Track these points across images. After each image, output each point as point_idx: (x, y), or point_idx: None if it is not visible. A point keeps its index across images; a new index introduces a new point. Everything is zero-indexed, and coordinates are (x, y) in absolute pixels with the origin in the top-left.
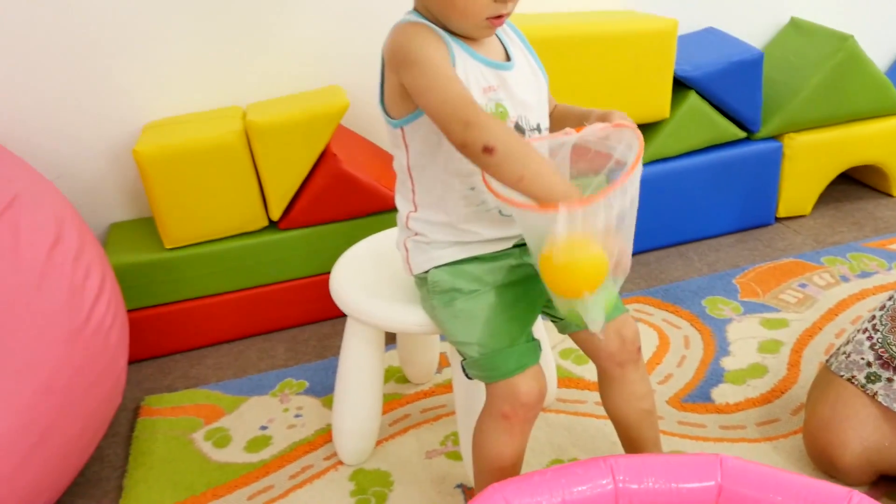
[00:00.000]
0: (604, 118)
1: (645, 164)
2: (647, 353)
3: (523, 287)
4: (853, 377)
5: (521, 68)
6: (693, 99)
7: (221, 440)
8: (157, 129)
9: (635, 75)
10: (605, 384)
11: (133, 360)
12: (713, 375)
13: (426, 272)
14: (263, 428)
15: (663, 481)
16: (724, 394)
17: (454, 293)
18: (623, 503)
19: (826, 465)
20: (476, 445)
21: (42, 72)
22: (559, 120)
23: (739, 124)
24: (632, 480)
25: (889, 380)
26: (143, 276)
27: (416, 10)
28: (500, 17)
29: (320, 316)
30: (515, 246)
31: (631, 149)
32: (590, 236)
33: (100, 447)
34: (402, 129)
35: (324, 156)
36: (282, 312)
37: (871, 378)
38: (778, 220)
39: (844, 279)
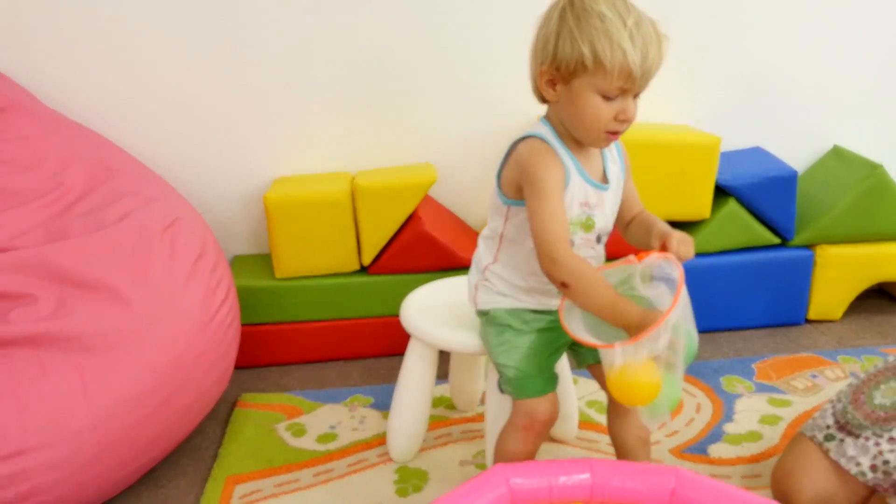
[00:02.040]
0: (663, 237)
1: None
2: None
3: (556, 334)
4: (814, 436)
5: (614, 186)
6: (732, 205)
7: (298, 431)
8: (284, 182)
9: (681, 180)
10: (610, 413)
11: (237, 366)
12: (714, 435)
13: (488, 309)
14: (332, 427)
15: (630, 481)
16: (719, 450)
17: (507, 328)
18: (596, 493)
19: None
20: (497, 448)
21: (203, 132)
22: (636, 227)
23: (775, 231)
24: (606, 477)
25: (841, 440)
26: (255, 298)
27: (547, 118)
28: (616, 133)
29: (393, 351)
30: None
31: (675, 301)
32: (637, 365)
33: (203, 425)
34: (508, 207)
35: (411, 218)
36: (361, 343)
37: (828, 437)
38: (808, 321)
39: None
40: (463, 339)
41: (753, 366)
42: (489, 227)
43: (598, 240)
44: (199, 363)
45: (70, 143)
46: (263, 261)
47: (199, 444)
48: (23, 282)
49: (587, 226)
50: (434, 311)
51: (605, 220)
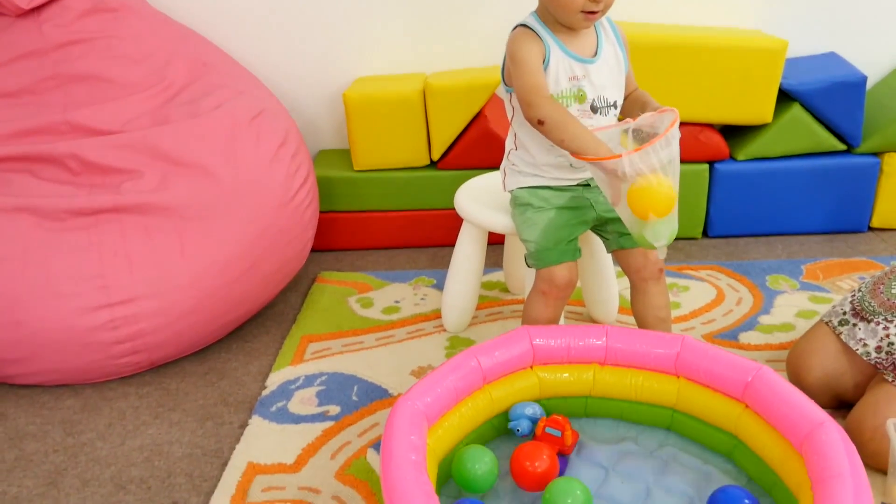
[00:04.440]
0: (657, 111)
1: (747, 161)
2: (700, 303)
3: (575, 212)
4: (830, 321)
5: (607, 60)
6: (796, 110)
7: (366, 304)
8: (364, 82)
9: (743, 83)
10: (632, 294)
11: (319, 249)
12: (748, 325)
13: (513, 190)
14: (397, 302)
15: (640, 345)
16: (749, 337)
17: (528, 206)
18: (609, 355)
19: (796, 384)
20: (524, 312)
21: (292, 35)
22: (631, 104)
23: (841, 138)
24: (618, 342)
25: (854, 325)
26: (335, 187)
27: (535, 11)
28: (592, 12)
29: None
30: (578, 185)
31: (673, 123)
32: (652, 171)
33: (286, 295)
34: (511, 94)
35: (478, 117)
36: (430, 233)
37: (842, 322)
38: (871, 229)
39: None
40: (501, 220)
41: (803, 267)
42: (509, 119)
43: (595, 110)
44: (280, 237)
45: (173, 41)
46: (345, 155)
47: (281, 310)
48: (133, 159)
49: (580, 97)
50: (482, 197)
51: (595, 91)
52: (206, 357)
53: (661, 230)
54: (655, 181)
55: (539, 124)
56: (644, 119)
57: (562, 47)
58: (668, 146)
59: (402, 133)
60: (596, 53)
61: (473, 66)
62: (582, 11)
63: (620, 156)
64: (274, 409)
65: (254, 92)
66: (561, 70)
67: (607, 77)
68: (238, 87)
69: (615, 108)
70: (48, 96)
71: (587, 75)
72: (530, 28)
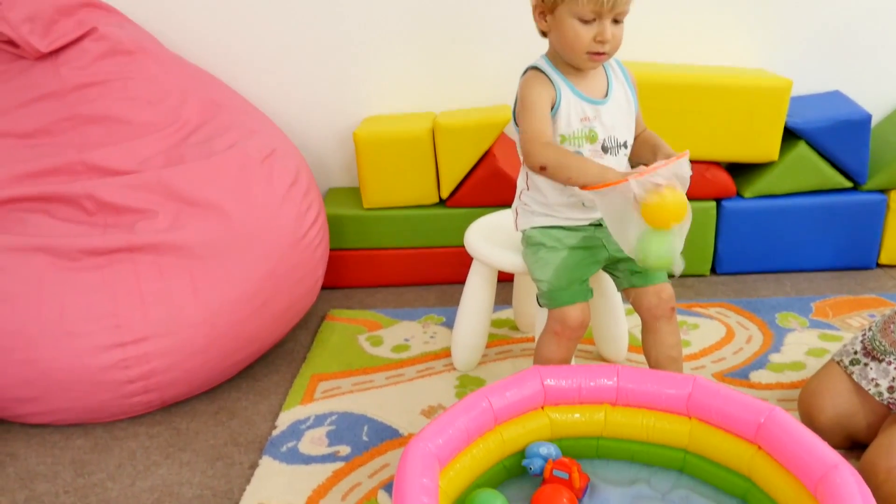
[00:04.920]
0: (669, 156)
1: (754, 198)
2: (710, 342)
3: (588, 252)
4: (841, 360)
5: (617, 100)
6: (802, 148)
7: (376, 342)
8: (373, 121)
9: (749, 122)
10: (644, 333)
11: (329, 287)
12: (758, 363)
13: (525, 230)
14: (406, 340)
15: (651, 386)
16: (760, 376)
17: (540, 246)
18: (621, 396)
19: (808, 424)
20: (536, 352)
21: (304, 77)
22: (640, 145)
23: (847, 175)
24: (630, 382)
25: (865, 364)
26: (345, 225)
27: (546, 54)
28: (599, 54)
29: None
30: (590, 225)
31: (681, 155)
32: (657, 186)
33: (296, 333)
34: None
35: (486, 155)
36: (438, 270)
37: (853, 362)
38: (879, 265)
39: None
40: (511, 259)
41: (812, 304)
42: (521, 160)
43: (605, 150)
44: (291, 275)
45: (187, 81)
46: (354, 193)
47: (291, 349)
48: (147, 199)
49: (591, 138)
50: (492, 236)
51: (605, 131)
52: (216, 396)
53: (678, 242)
54: (665, 192)
55: (542, 170)
56: (656, 166)
57: (573, 89)
58: (683, 167)
59: (412, 171)
60: (607, 94)
61: (482, 105)
62: (588, 52)
63: (627, 179)
64: (284, 449)
65: (265, 131)
66: (573, 111)
67: (618, 117)
68: (250, 126)
69: (625, 147)
70: (65, 137)
71: (598, 116)
72: (541, 71)
